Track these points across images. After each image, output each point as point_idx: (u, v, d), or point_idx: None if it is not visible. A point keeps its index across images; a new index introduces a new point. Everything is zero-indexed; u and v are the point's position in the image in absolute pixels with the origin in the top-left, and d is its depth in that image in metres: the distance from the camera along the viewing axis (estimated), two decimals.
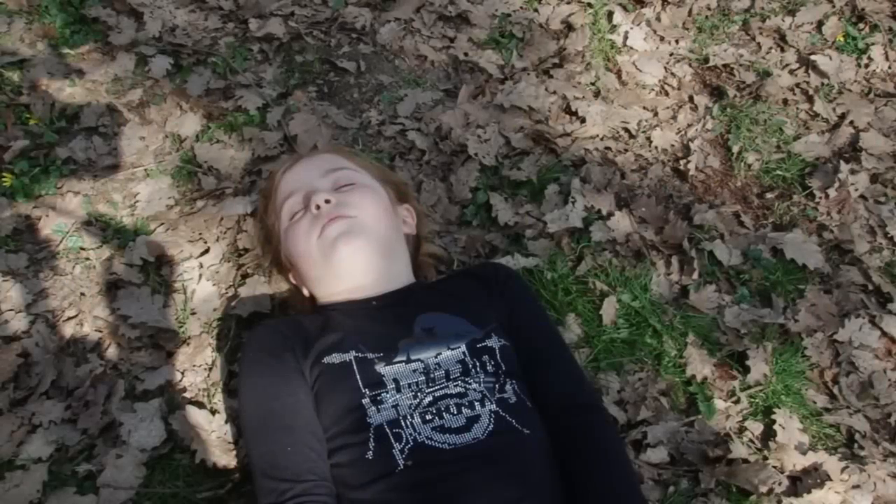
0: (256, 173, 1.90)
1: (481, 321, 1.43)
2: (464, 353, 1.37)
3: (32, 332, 1.63)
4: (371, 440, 1.26)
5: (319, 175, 1.53)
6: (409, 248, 1.58)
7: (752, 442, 1.58)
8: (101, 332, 1.64)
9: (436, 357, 1.36)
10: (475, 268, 1.67)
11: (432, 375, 1.34)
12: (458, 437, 1.26)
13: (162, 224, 1.80)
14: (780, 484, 1.49)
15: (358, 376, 1.32)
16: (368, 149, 1.98)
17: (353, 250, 1.43)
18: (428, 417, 1.28)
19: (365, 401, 1.30)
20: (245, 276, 1.74)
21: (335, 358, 1.35)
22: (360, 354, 1.35)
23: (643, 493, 1.37)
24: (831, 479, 1.49)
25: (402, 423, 1.27)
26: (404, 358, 1.35)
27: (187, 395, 1.58)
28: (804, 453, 1.54)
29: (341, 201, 1.46)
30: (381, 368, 1.34)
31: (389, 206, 1.55)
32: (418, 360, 1.35)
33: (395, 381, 1.33)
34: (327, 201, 1.45)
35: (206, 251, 1.77)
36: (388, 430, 1.27)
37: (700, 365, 1.65)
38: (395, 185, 1.65)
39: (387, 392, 1.31)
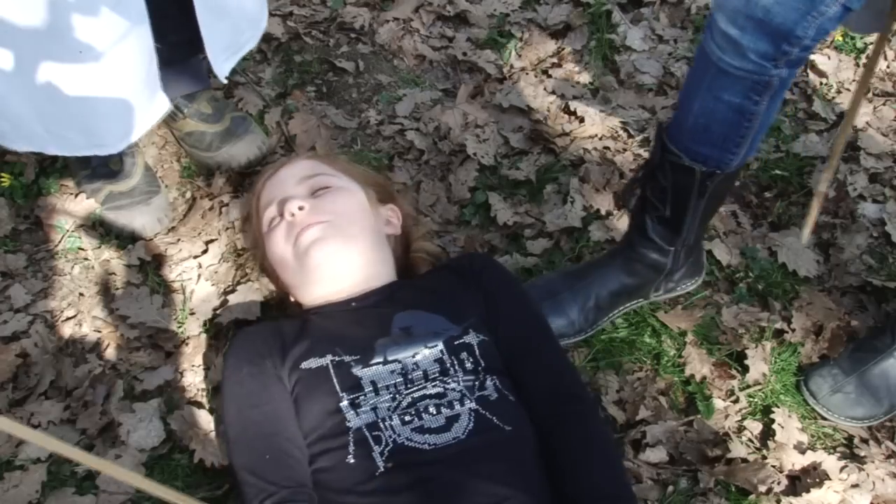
0: (255, 173, 1.89)
1: (459, 317, 1.42)
2: (441, 351, 1.37)
3: (31, 333, 1.63)
4: (350, 444, 1.26)
5: (295, 183, 1.53)
6: (393, 248, 1.58)
7: (751, 441, 1.58)
8: (99, 332, 1.64)
9: (413, 357, 1.36)
10: (453, 260, 1.66)
11: (410, 376, 1.33)
12: (437, 437, 1.26)
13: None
14: (779, 483, 1.49)
15: (335, 380, 1.33)
16: (367, 148, 1.98)
17: (327, 255, 1.43)
18: (407, 419, 1.28)
19: (343, 404, 1.30)
20: (244, 277, 1.73)
21: (312, 363, 1.35)
22: (336, 358, 1.35)
23: (633, 489, 1.36)
24: (830, 479, 1.49)
25: (381, 426, 1.27)
26: (381, 360, 1.35)
27: (186, 395, 1.58)
28: (803, 453, 1.54)
29: (316, 206, 1.47)
30: (359, 371, 1.34)
31: (367, 206, 1.55)
32: (395, 360, 1.35)
33: (373, 383, 1.33)
34: (301, 208, 1.46)
35: (205, 251, 1.77)
36: (367, 433, 1.27)
37: (699, 364, 1.65)
38: (378, 186, 1.65)
39: (364, 395, 1.31)
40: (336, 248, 1.44)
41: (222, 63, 1.64)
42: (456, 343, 1.39)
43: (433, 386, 1.33)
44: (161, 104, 1.63)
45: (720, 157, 1.40)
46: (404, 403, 1.31)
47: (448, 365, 1.35)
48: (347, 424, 1.28)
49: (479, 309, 1.46)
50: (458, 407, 1.30)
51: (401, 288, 1.51)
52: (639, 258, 1.63)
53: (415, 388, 1.32)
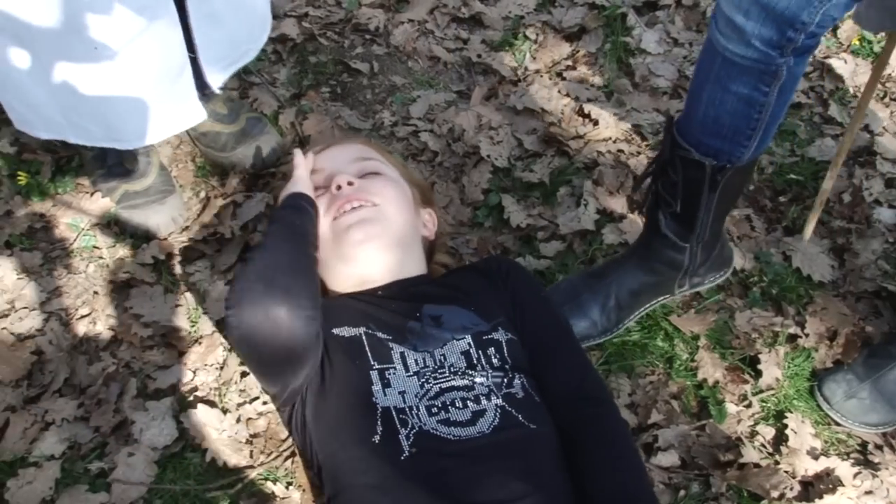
0: (270, 174, 1.90)
1: (488, 315, 1.42)
2: (469, 344, 1.37)
3: (46, 330, 1.64)
4: (378, 423, 1.26)
5: (348, 161, 1.53)
6: (424, 250, 1.58)
7: (764, 446, 1.57)
8: (113, 330, 1.65)
9: (442, 347, 1.36)
10: (478, 263, 1.66)
11: (439, 366, 1.34)
12: (462, 429, 1.26)
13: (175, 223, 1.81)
14: (791, 489, 1.48)
15: (368, 350, 1.33)
16: None
17: (368, 237, 1.42)
18: (434, 410, 1.28)
19: (373, 374, 1.30)
20: None
21: (345, 331, 1.35)
22: (370, 331, 1.36)
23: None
24: (843, 485, 1.48)
25: (409, 412, 1.27)
26: (412, 347, 1.35)
27: (199, 393, 1.58)
28: (816, 458, 1.53)
29: (363, 186, 1.46)
30: (391, 345, 1.35)
31: (412, 204, 1.54)
32: (425, 350, 1.35)
33: (403, 360, 1.33)
34: (350, 184, 1.45)
35: (219, 251, 1.78)
36: (394, 415, 1.27)
37: (712, 368, 1.65)
38: (421, 187, 1.65)
39: (395, 370, 1.31)
40: (378, 231, 1.43)
41: (216, 73, 1.65)
42: (484, 338, 1.39)
43: (461, 378, 1.33)
44: (195, 114, 1.64)
45: (731, 150, 1.39)
46: (432, 392, 1.31)
47: (475, 360, 1.35)
48: (375, 401, 1.28)
49: (507, 309, 1.46)
50: (484, 402, 1.30)
51: (428, 283, 1.51)
52: (654, 256, 1.62)
53: (443, 379, 1.32)
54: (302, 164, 1.49)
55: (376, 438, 1.25)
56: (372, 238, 1.43)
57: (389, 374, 1.32)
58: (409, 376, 1.32)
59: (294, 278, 1.30)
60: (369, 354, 1.33)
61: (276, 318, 1.24)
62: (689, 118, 1.41)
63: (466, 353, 1.36)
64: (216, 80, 1.66)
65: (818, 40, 1.24)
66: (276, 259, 1.32)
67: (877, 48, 2.25)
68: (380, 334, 1.36)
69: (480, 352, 1.36)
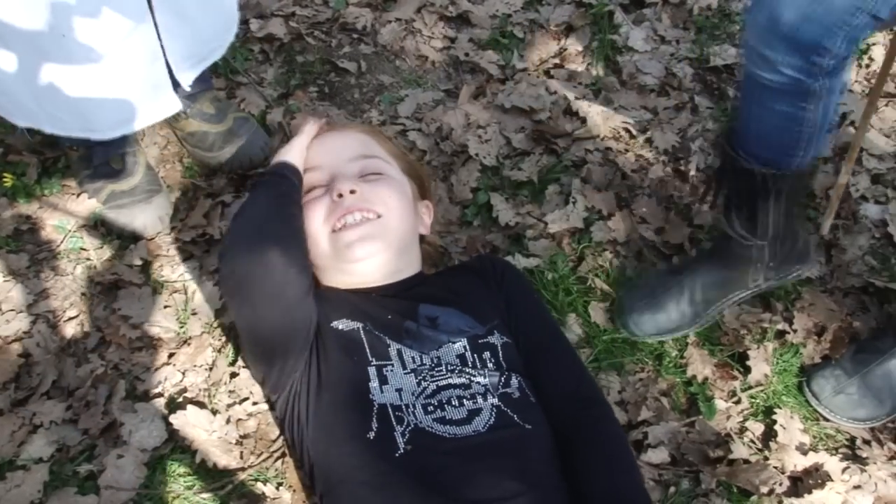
0: (258, 174, 1.89)
1: (484, 318, 1.42)
2: (464, 347, 1.37)
3: (33, 333, 1.63)
4: (374, 420, 1.26)
5: (349, 158, 1.49)
6: (419, 245, 1.57)
7: (753, 442, 1.58)
8: (101, 332, 1.64)
9: (438, 349, 1.36)
10: (470, 262, 1.66)
11: (434, 365, 1.33)
12: (458, 428, 1.26)
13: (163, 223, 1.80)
14: (780, 484, 1.49)
15: (366, 345, 1.33)
16: None
17: (369, 253, 1.41)
18: (430, 409, 1.28)
19: (371, 370, 1.30)
20: None
21: (342, 324, 1.35)
22: (367, 327, 1.35)
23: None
24: (832, 480, 1.49)
25: (405, 410, 1.27)
26: (408, 346, 1.35)
27: (188, 395, 1.58)
28: (805, 454, 1.54)
29: (366, 194, 1.43)
30: (389, 342, 1.35)
31: (412, 204, 1.53)
32: (421, 351, 1.35)
33: (401, 358, 1.32)
34: (352, 192, 1.42)
35: (207, 251, 1.77)
36: (390, 412, 1.27)
37: (701, 365, 1.65)
38: (421, 179, 1.62)
39: (392, 367, 1.31)
40: (379, 247, 1.42)
41: (185, 71, 1.63)
42: (480, 342, 1.39)
43: (458, 376, 1.33)
44: (170, 104, 1.63)
45: (780, 160, 1.42)
46: (428, 390, 1.31)
47: (470, 363, 1.35)
48: (371, 397, 1.28)
49: (502, 312, 1.46)
50: (480, 401, 1.30)
51: (423, 283, 1.50)
52: (726, 253, 1.64)
53: (440, 377, 1.32)
54: (306, 132, 1.50)
55: (371, 435, 1.25)
56: (373, 254, 1.42)
57: (387, 370, 1.31)
58: (406, 374, 1.32)
59: (283, 229, 1.35)
60: (367, 351, 1.33)
61: (268, 262, 1.28)
62: (739, 130, 1.45)
63: (462, 357, 1.36)
64: (186, 77, 1.64)
65: (848, 59, 1.26)
66: (265, 212, 1.38)
67: (862, 45, 2.26)
68: (377, 332, 1.36)
69: (476, 355, 1.36)
